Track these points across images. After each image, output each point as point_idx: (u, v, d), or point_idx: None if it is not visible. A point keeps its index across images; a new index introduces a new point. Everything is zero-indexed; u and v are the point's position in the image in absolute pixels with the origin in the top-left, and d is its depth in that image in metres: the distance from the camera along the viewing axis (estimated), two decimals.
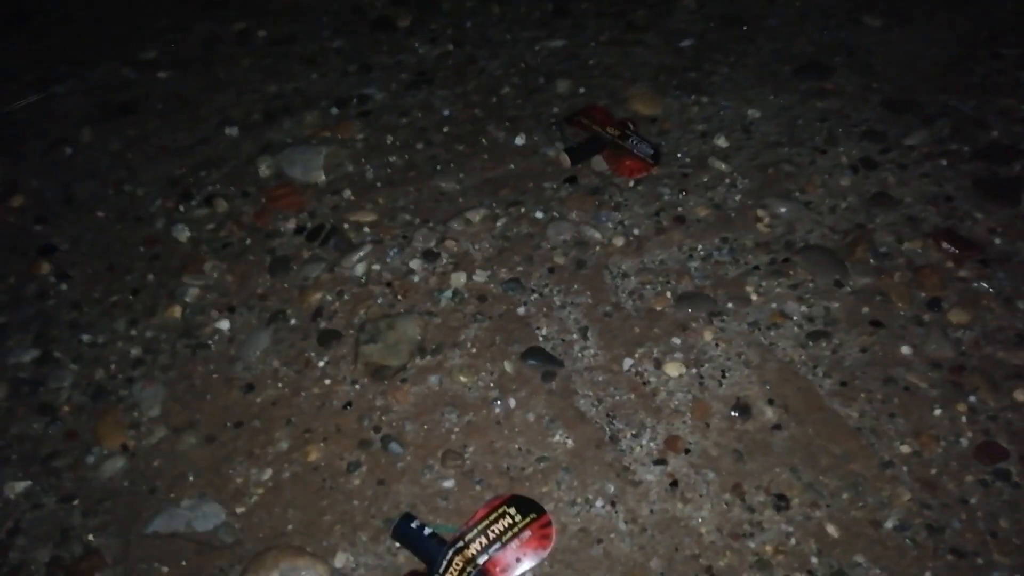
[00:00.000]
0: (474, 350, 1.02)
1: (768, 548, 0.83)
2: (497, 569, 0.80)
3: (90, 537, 0.86)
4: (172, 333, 1.06)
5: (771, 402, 0.95)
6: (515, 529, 0.82)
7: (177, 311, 1.07)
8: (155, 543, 0.85)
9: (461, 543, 0.81)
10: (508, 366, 1.00)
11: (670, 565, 0.82)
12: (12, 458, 0.94)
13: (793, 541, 0.83)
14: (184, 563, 0.83)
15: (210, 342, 1.04)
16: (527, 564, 0.81)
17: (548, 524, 0.84)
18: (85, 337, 1.06)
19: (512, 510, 0.84)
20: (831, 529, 0.83)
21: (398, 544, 0.83)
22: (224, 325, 1.06)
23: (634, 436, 0.92)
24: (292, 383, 0.99)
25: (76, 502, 0.89)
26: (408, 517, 0.83)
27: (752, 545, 0.83)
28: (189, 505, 0.88)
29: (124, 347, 1.05)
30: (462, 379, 0.98)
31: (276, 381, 0.99)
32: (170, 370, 1.02)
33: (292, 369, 1.00)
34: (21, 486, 0.91)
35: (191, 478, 0.91)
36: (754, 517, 0.85)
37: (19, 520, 0.88)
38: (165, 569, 0.83)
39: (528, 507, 0.84)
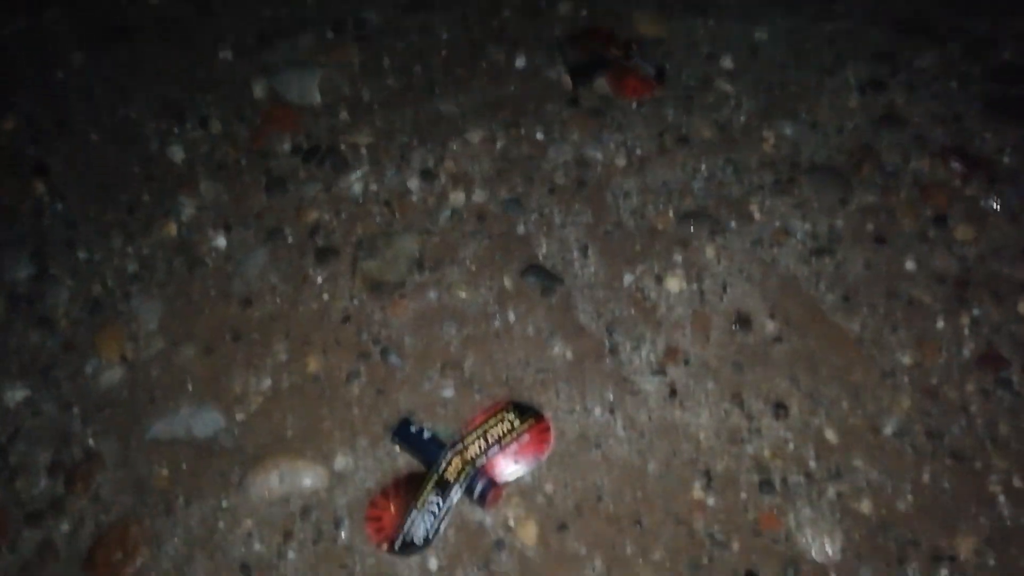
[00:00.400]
0: (473, 267, 1.01)
1: (766, 452, 0.83)
2: (495, 470, 0.80)
3: (90, 442, 0.86)
4: (168, 250, 1.05)
5: (772, 315, 0.94)
6: (514, 433, 0.82)
7: (173, 229, 1.06)
8: (155, 447, 0.85)
9: (460, 445, 0.81)
10: (507, 282, 0.99)
11: (668, 468, 0.82)
12: (11, 368, 0.94)
13: (791, 446, 0.83)
14: (184, 466, 0.84)
15: (207, 259, 1.03)
16: (525, 466, 0.81)
17: (547, 428, 0.84)
18: (81, 254, 1.05)
19: (511, 415, 0.84)
20: (830, 435, 0.83)
21: (397, 448, 0.83)
22: (221, 242, 1.05)
23: (633, 348, 0.92)
24: (290, 298, 0.99)
25: (75, 409, 0.89)
26: (407, 421, 0.83)
27: (750, 450, 0.83)
28: (188, 412, 0.88)
29: (120, 263, 1.04)
30: (461, 294, 0.97)
31: (274, 296, 0.99)
32: (167, 286, 1.01)
33: (290, 285, 1.00)
34: (20, 394, 0.91)
35: (190, 387, 0.91)
36: (752, 424, 0.85)
37: (19, 426, 0.89)
38: (165, 472, 0.83)
39: (527, 412, 0.84)
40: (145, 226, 1.08)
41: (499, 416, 0.84)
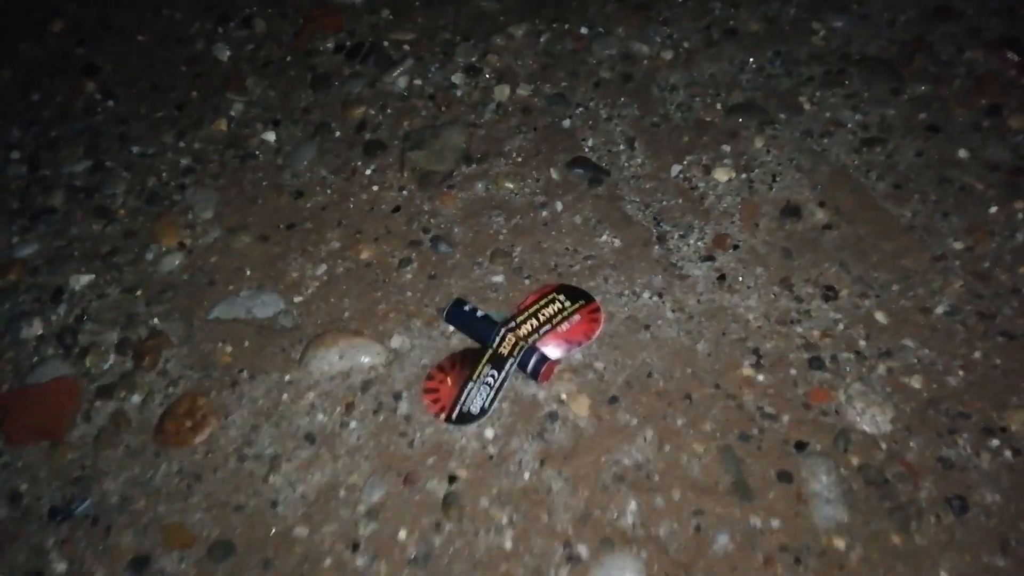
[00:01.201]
0: (519, 159, 1.01)
1: (815, 333, 0.84)
2: (547, 348, 0.82)
3: (155, 321, 0.90)
4: (219, 144, 1.06)
5: (822, 204, 0.94)
6: (564, 313, 0.84)
7: (223, 124, 1.08)
8: (217, 326, 0.88)
9: (513, 324, 0.83)
10: (554, 174, 0.99)
11: (716, 347, 0.84)
12: (75, 255, 0.97)
13: (841, 327, 0.84)
14: (247, 343, 0.87)
15: (257, 152, 1.05)
16: (577, 344, 0.83)
17: (597, 309, 0.85)
18: (135, 148, 1.07)
19: (561, 296, 0.85)
20: (880, 316, 0.84)
21: (451, 329, 0.86)
22: (270, 137, 1.06)
23: (681, 236, 0.93)
24: (340, 190, 1.00)
25: (139, 292, 0.93)
26: (460, 301, 0.85)
27: (799, 330, 0.84)
28: (248, 295, 0.90)
29: (174, 157, 1.06)
30: (508, 185, 0.98)
31: (324, 188, 1.00)
32: (220, 177, 1.03)
33: (340, 177, 1.01)
34: (85, 279, 0.94)
35: (248, 272, 0.93)
36: (802, 306, 0.86)
37: (86, 308, 0.92)
38: (229, 348, 0.86)
39: (577, 295, 0.86)
40: (195, 122, 1.09)
41: (550, 298, 0.85)
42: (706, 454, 0.76)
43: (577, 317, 0.84)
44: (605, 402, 0.80)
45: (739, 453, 0.76)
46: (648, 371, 0.82)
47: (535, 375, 0.80)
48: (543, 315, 0.84)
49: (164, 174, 1.04)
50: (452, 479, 0.76)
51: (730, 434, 0.77)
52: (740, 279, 0.88)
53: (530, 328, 0.83)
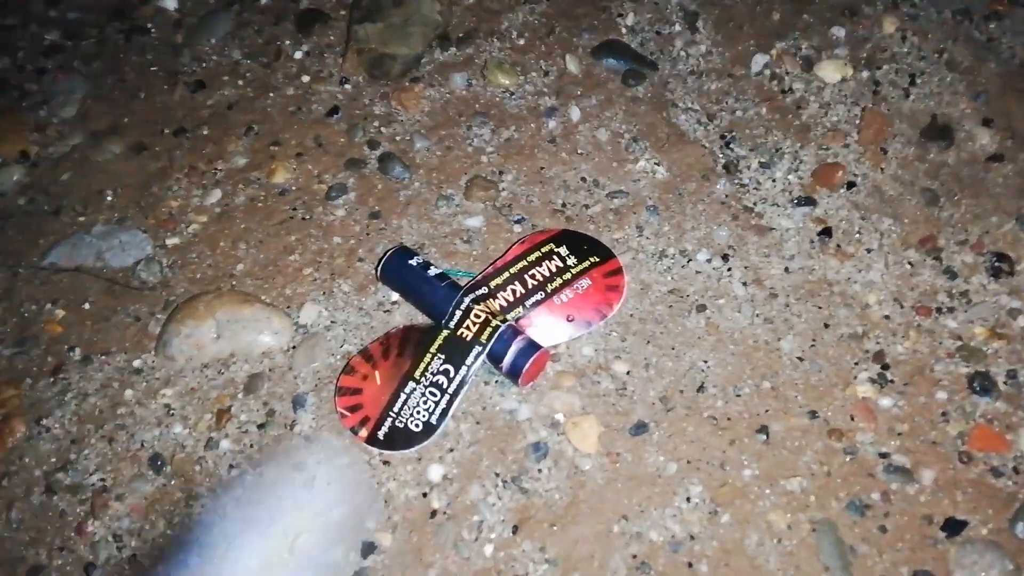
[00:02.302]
0: (521, 41, 0.68)
1: (979, 330, 0.51)
2: (536, 330, 0.51)
3: None
4: (102, 15, 0.75)
5: (987, 122, 0.60)
6: (567, 276, 0.53)
7: None
8: (52, 278, 0.59)
9: (484, 289, 0.52)
10: (572, 64, 0.66)
11: (815, 347, 0.52)
12: None
13: (1021, 321, 0.51)
14: (87, 305, 0.58)
15: (150, 25, 0.74)
16: (583, 325, 0.52)
17: (618, 271, 0.54)
18: None
19: (563, 249, 0.54)
20: None
21: (395, 297, 0.55)
22: (170, 3, 0.74)
23: (763, 165, 0.59)
24: (258, 80, 0.68)
25: None
26: (404, 251, 0.54)
27: (952, 324, 0.52)
28: (102, 231, 0.61)
29: (39, 31, 0.75)
30: (502, 79, 0.65)
31: (235, 78, 0.69)
32: (94, 60, 0.72)
33: (258, 62, 0.69)
34: None
35: (109, 197, 0.63)
36: (956, 284, 0.53)
37: None
38: (61, 313, 0.57)
39: (588, 247, 0.54)
40: None
41: (544, 251, 0.54)
42: (791, 533, 0.45)
43: (586, 282, 0.53)
44: (626, 430, 0.49)
45: (847, 534, 0.45)
46: (700, 382, 0.51)
47: (515, 373, 0.49)
48: (533, 277, 0.53)
49: (21, 53, 0.74)
50: (368, 549, 0.46)
51: (832, 500, 0.46)
52: (856, 236, 0.56)
53: (511, 297, 0.52)
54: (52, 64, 0.72)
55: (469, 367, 0.49)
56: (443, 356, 0.50)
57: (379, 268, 0.54)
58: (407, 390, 0.50)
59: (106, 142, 0.66)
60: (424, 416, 0.49)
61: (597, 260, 0.54)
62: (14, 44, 0.74)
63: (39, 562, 0.48)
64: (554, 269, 0.52)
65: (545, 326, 0.52)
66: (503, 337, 0.49)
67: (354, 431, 0.50)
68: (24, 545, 0.49)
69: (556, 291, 0.52)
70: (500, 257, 0.54)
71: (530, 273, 0.52)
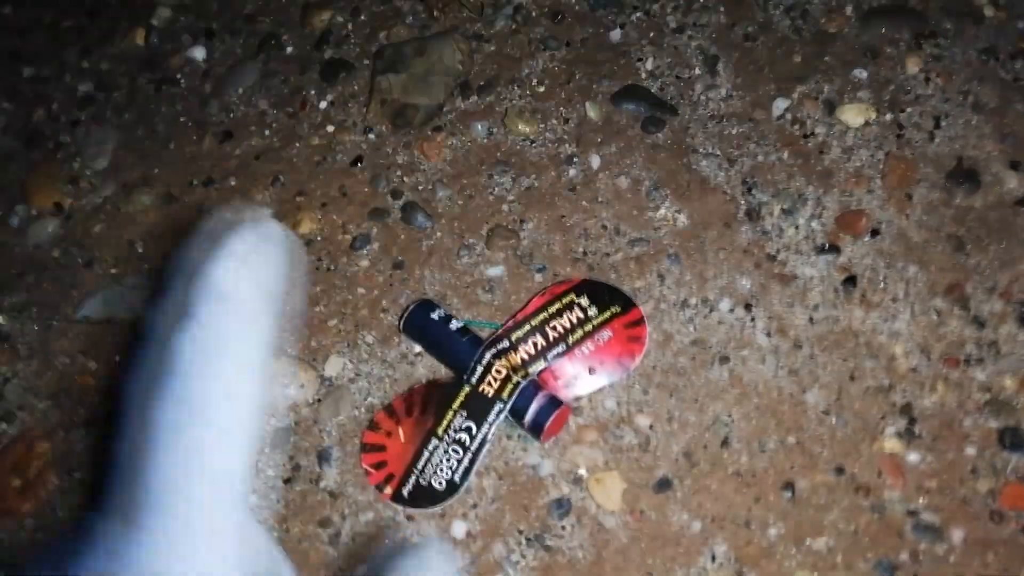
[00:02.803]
0: (541, 88, 0.68)
1: (1008, 382, 0.50)
2: (559, 383, 0.51)
3: (1, 320, 0.63)
4: (133, 64, 0.77)
5: (1015, 165, 0.59)
6: (588, 325, 0.53)
7: (141, 36, 0.78)
8: (84, 331, 0.61)
9: (506, 343, 0.52)
10: (592, 111, 0.66)
11: (840, 399, 0.51)
12: None
13: None
14: (118, 358, 0.59)
15: (179, 75, 0.75)
16: (605, 377, 0.52)
17: (639, 321, 0.54)
18: (26, 70, 0.79)
19: (584, 300, 0.54)
20: None
21: (417, 348, 0.56)
22: (199, 54, 0.76)
23: (785, 212, 0.59)
24: (284, 130, 0.70)
25: None
26: (428, 304, 0.55)
27: (981, 377, 0.51)
28: (133, 283, 0.62)
29: (72, 82, 0.77)
30: (522, 127, 0.66)
31: (262, 128, 0.70)
32: (126, 111, 0.74)
33: (284, 112, 0.71)
34: None
35: (140, 249, 0.65)
36: (984, 334, 0.52)
37: None
38: (93, 365, 0.59)
39: (609, 296, 0.54)
40: (107, 34, 0.80)
41: (565, 300, 0.54)
42: None
43: (608, 333, 0.53)
44: (650, 487, 0.49)
45: None
46: (724, 436, 0.51)
47: (537, 429, 0.49)
48: (554, 329, 0.53)
49: (55, 105, 0.76)
50: None
51: (860, 561, 0.46)
52: (882, 285, 0.55)
53: (532, 351, 0.52)
54: (85, 116, 0.75)
55: (491, 424, 0.50)
56: (465, 412, 0.50)
57: (402, 322, 0.55)
58: (430, 447, 0.50)
59: (137, 194, 0.68)
60: (447, 474, 0.49)
61: (618, 310, 0.54)
62: (49, 95, 0.77)
63: None
64: (575, 320, 0.53)
65: (567, 379, 0.52)
66: (525, 393, 0.50)
67: (379, 488, 0.50)
68: None
69: (577, 343, 0.52)
70: (521, 309, 0.55)
71: (551, 325, 0.52)
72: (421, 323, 0.54)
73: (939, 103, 0.63)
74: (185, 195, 0.67)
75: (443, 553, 0.31)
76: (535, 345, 0.52)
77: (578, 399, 0.52)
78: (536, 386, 0.50)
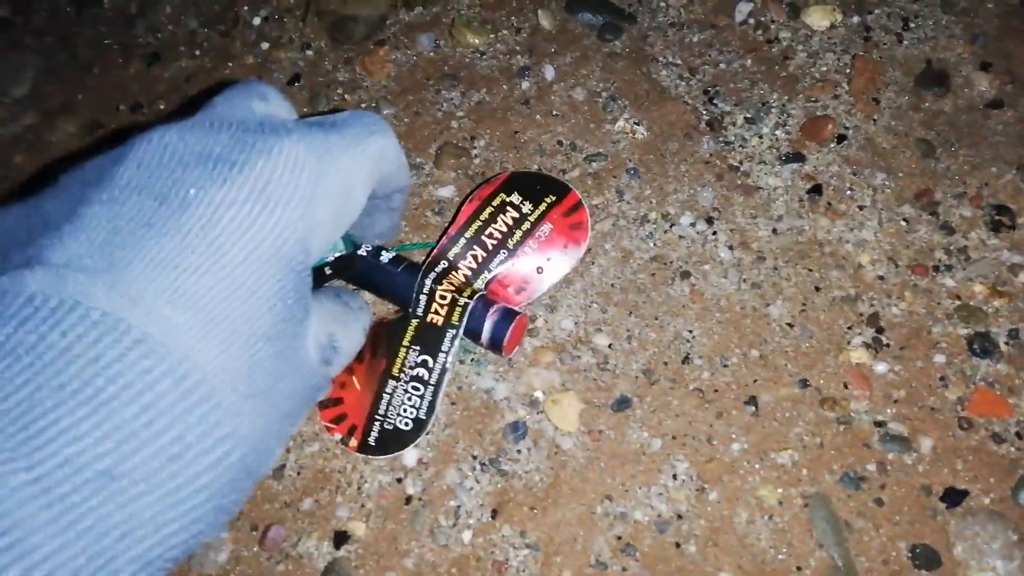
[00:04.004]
0: None
1: (978, 288, 0.49)
2: (509, 290, 0.48)
3: None
4: None
5: (986, 67, 0.57)
6: (525, 225, 0.49)
7: None
8: None
9: (444, 264, 0.48)
10: (545, 20, 0.62)
11: (805, 311, 0.49)
12: None
13: (1022, 278, 0.49)
14: None
15: None
16: (555, 273, 0.48)
17: (578, 205, 0.50)
18: None
19: (515, 197, 0.50)
20: None
21: (365, 294, 0.52)
22: None
23: (748, 121, 0.56)
24: (216, 50, 0.65)
25: None
26: (351, 242, 0.50)
27: (950, 283, 0.49)
28: None
29: None
30: (471, 39, 0.62)
31: (192, 48, 0.65)
32: (46, 35, 0.68)
33: (216, 31, 0.66)
34: None
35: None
36: (954, 240, 0.50)
37: None
38: None
39: (540, 187, 0.51)
40: None
41: (496, 203, 0.50)
42: (782, 509, 0.43)
43: (547, 227, 0.49)
44: (608, 407, 0.47)
45: (841, 509, 0.43)
46: (685, 353, 0.48)
47: (496, 346, 0.46)
48: (490, 236, 0.49)
49: None
50: (340, 539, 0.44)
51: (825, 473, 0.44)
52: (848, 193, 0.53)
53: (473, 264, 0.48)
54: (2, 42, 0.69)
55: (447, 353, 0.46)
56: (418, 347, 0.47)
57: (328, 267, 0.51)
58: (388, 390, 0.47)
59: (60, 121, 0.63)
60: (412, 413, 0.46)
61: (553, 200, 0.50)
62: None
63: None
64: (511, 221, 0.49)
65: (516, 284, 0.48)
66: (475, 314, 0.46)
67: (344, 442, 0.47)
68: None
69: (519, 244, 0.48)
70: (452, 222, 0.51)
71: (487, 232, 0.49)
72: (348, 262, 0.50)
73: (907, 3, 0.59)
74: (112, 121, 0.63)
75: None
76: (475, 258, 0.49)
77: (533, 299, 0.49)
78: (486, 303, 0.47)
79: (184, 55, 0.65)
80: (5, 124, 0.64)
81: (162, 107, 0.62)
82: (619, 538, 0.43)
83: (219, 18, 0.66)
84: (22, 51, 0.68)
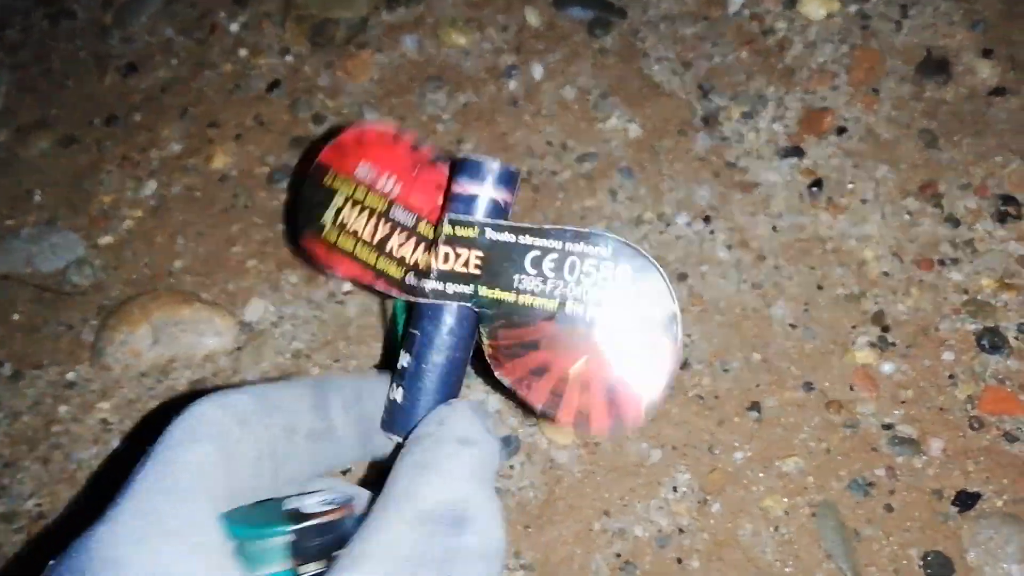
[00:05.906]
0: None
1: (986, 282, 0.47)
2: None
3: None
4: (24, 0, 0.70)
5: (987, 53, 0.55)
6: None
7: None
8: None
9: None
10: (532, 17, 0.60)
11: (808, 311, 0.47)
12: None
13: None
14: (16, 316, 0.53)
15: (77, 7, 0.68)
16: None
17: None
18: None
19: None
20: None
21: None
22: None
23: (745, 115, 0.54)
24: (193, 59, 0.63)
25: None
26: None
27: (956, 277, 0.47)
28: (31, 235, 0.56)
29: None
30: (456, 38, 0.60)
31: (169, 57, 0.63)
32: (20, 49, 0.67)
33: (192, 39, 0.64)
34: None
35: (38, 197, 0.58)
36: (959, 233, 0.48)
37: None
38: None
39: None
40: None
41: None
42: (789, 519, 0.41)
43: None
44: None
45: (849, 517, 0.41)
46: (684, 358, 0.46)
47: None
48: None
49: None
50: None
51: (832, 480, 0.42)
52: (849, 187, 0.51)
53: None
54: None
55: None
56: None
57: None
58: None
59: (33, 137, 0.61)
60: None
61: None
62: None
63: None
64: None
65: None
66: None
67: None
68: None
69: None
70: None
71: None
72: None
73: None
74: (86, 135, 0.61)
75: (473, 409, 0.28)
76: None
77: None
78: None
79: (161, 65, 0.63)
80: None
81: (137, 119, 0.61)
82: (618, 555, 0.41)
83: (196, 26, 0.64)
84: None
